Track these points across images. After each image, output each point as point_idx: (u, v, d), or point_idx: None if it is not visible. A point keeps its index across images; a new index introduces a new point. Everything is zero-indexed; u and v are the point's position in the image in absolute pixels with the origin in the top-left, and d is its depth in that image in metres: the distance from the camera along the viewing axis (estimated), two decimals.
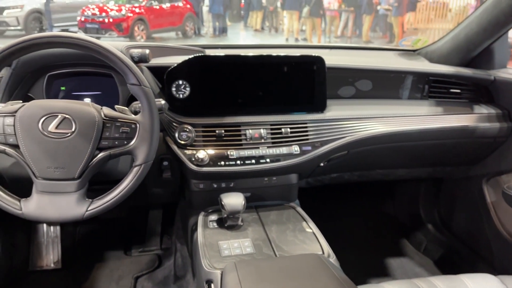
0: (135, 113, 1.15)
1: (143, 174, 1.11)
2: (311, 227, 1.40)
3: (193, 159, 1.36)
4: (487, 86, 1.75)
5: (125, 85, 1.15)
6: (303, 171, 1.58)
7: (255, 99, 1.46)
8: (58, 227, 2.03)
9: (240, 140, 1.42)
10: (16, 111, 1.05)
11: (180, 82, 1.40)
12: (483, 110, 1.71)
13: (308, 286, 1.02)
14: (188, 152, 1.37)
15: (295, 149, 1.44)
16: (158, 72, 1.44)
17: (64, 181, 1.07)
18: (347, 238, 2.11)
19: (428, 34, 11.78)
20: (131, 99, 1.38)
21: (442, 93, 1.73)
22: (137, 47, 1.36)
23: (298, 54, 1.47)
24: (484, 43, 1.67)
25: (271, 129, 1.45)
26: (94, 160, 1.08)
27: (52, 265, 1.96)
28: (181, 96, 1.41)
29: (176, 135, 1.38)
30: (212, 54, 1.44)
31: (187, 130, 1.38)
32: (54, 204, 1.08)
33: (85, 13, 10.15)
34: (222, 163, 1.38)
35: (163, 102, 1.24)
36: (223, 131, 1.40)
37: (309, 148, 1.46)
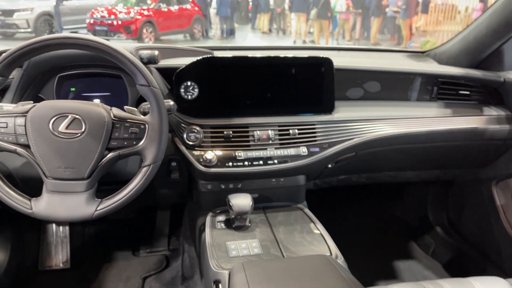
0: (144, 114, 1.16)
1: (151, 175, 1.12)
2: (318, 229, 1.40)
3: (201, 160, 1.36)
4: (497, 88, 1.74)
5: (134, 86, 1.16)
6: (310, 173, 1.57)
7: (263, 100, 1.47)
8: (67, 228, 2.05)
9: (248, 141, 1.42)
10: (27, 112, 1.07)
11: (189, 83, 1.41)
12: (493, 112, 1.70)
13: (316, 287, 1.02)
14: (196, 153, 1.38)
15: (303, 150, 1.44)
16: (166, 73, 1.45)
17: (74, 181, 1.08)
18: (354, 240, 2.10)
19: (437, 37, 11.72)
20: (140, 100, 1.39)
21: (451, 95, 1.72)
22: (146, 49, 1.37)
23: (306, 56, 1.47)
24: (494, 45, 1.66)
25: (279, 130, 1.45)
26: (103, 160, 1.09)
27: (61, 265, 1.98)
28: (189, 97, 1.42)
29: (185, 136, 1.38)
30: (220, 55, 1.45)
31: (195, 131, 1.39)
32: (64, 204, 1.09)
33: (94, 16, 10.24)
34: (230, 164, 1.39)
35: (171, 103, 1.25)
36: (231, 132, 1.41)
37: (317, 149, 1.46)
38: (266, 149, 1.43)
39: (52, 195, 1.09)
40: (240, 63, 1.43)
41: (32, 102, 1.11)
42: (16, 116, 1.07)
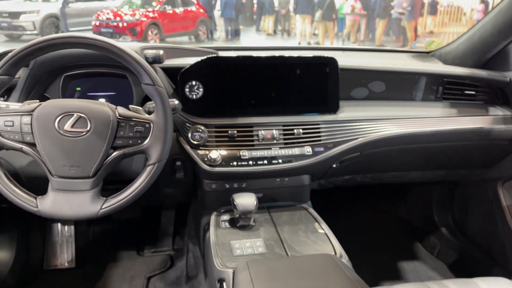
0: (149, 113, 1.16)
1: (156, 173, 1.12)
2: (323, 228, 1.39)
3: (206, 159, 1.37)
4: (503, 88, 1.73)
5: (139, 85, 1.16)
6: (315, 172, 1.57)
7: (267, 100, 1.47)
8: (72, 227, 2.06)
9: (253, 140, 1.43)
10: (33, 110, 1.07)
11: (194, 83, 1.41)
12: (499, 112, 1.69)
13: (321, 285, 1.02)
14: (201, 152, 1.38)
15: (308, 150, 1.44)
16: (171, 73, 1.46)
17: (79, 179, 1.09)
18: (359, 240, 2.09)
19: (442, 38, 11.68)
20: (145, 100, 1.40)
21: (457, 95, 1.72)
22: (151, 48, 1.38)
23: (310, 56, 1.48)
24: (499, 45, 1.65)
25: (284, 130, 1.45)
26: (108, 158, 1.09)
27: (66, 264, 1.99)
28: (194, 96, 1.42)
29: (189, 135, 1.39)
30: (225, 55, 1.45)
31: (200, 130, 1.39)
32: (69, 202, 1.09)
33: (100, 18, 10.31)
34: (235, 163, 1.39)
35: (176, 102, 1.25)
36: (235, 131, 1.41)
37: (322, 149, 1.46)
38: (270, 148, 1.43)
39: (57, 193, 1.09)
40: (244, 63, 1.44)
41: (38, 101, 1.11)
42: (22, 115, 1.07)
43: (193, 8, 11.69)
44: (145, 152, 1.12)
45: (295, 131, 1.45)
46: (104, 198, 1.12)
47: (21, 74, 1.34)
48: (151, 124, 1.11)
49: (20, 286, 1.81)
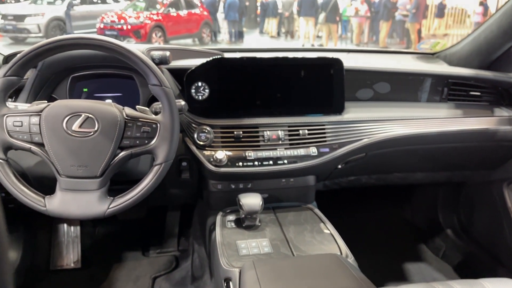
0: (156, 113, 1.17)
1: (163, 173, 1.13)
2: (328, 228, 1.40)
3: (212, 160, 1.37)
4: (508, 89, 1.73)
5: (146, 86, 1.17)
6: (320, 173, 1.58)
7: (272, 100, 1.48)
8: (78, 228, 2.07)
9: (258, 141, 1.43)
10: (41, 111, 1.08)
11: (199, 84, 1.42)
12: (504, 113, 1.69)
13: (327, 285, 1.02)
14: (207, 152, 1.39)
15: (313, 150, 1.44)
16: (178, 74, 1.47)
17: (87, 179, 1.10)
18: (364, 241, 2.09)
19: (446, 40, 11.66)
20: (151, 101, 1.40)
21: (462, 96, 1.72)
22: (157, 50, 1.39)
23: (315, 57, 1.48)
24: (505, 46, 1.65)
25: (289, 130, 1.46)
26: (116, 158, 1.10)
27: (72, 264, 2.00)
28: (200, 97, 1.43)
29: (195, 136, 1.39)
30: (230, 56, 1.46)
31: (206, 131, 1.40)
32: (77, 201, 1.10)
33: (104, 21, 10.36)
34: (240, 164, 1.40)
35: (183, 103, 1.26)
36: (241, 132, 1.42)
37: (327, 150, 1.46)
38: (276, 149, 1.43)
39: (65, 193, 1.10)
40: (249, 64, 1.45)
41: (46, 101, 1.13)
42: (31, 115, 1.08)
43: (197, 11, 11.73)
44: (152, 152, 1.13)
45: (301, 131, 1.45)
46: (111, 198, 1.13)
47: (30, 75, 1.35)
48: (158, 125, 1.12)
49: (27, 286, 1.82)
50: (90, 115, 1.08)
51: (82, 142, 1.08)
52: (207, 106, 1.44)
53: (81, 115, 1.08)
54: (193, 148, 1.39)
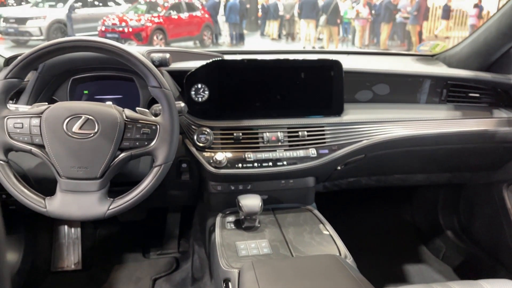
0: (156, 115, 1.18)
1: (163, 174, 1.14)
2: (328, 230, 1.40)
3: (211, 161, 1.38)
4: (507, 91, 1.73)
5: (145, 88, 1.18)
6: (320, 175, 1.58)
7: (272, 102, 1.48)
8: (78, 229, 2.07)
9: (258, 143, 1.44)
10: (42, 113, 1.09)
11: (199, 85, 1.43)
12: (503, 114, 1.69)
13: (326, 286, 1.02)
14: (207, 154, 1.39)
15: (312, 152, 1.45)
16: (177, 76, 1.47)
17: (87, 180, 1.10)
18: (364, 243, 2.09)
19: (447, 43, 11.67)
20: (151, 102, 1.41)
21: (461, 97, 1.72)
22: (157, 52, 1.40)
23: (315, 58, 1.49)
24: (504, 47, 1.66)
25: (288, 132, 1.46)
26: (115, 160, 1.11)
27: (72, 266, 2.00)
28: (200, 99, 1.44)
29: (195, 137, 1.40)
30: (230, 58, 1.47)
31: (206, 132, 1.40)
32: (77, 203, 1.11)
33: (106, 23, 10.40)
34: (240, 165, 1.40)
35: (182, 104, 1.27)
36: (240, 134, 1.42)
37: (326, 151, 1.46)
38: (275, 150, 1.44)
39: (65, 194, 1.11)
40: (250, 66, 1.45)
41: (46, 103, 1.13)
42: (32, 117, 1.09)
43: (198, 13, 11.77)
44: (152, 154, 1.13)
45: (300, 133, 1.46)
46: (111, 199, 1.14)
47: (30, 77, 1.36)
48: (158, 126, 1.13)
49: None
50: (90, 117, 1.09)
51: (82, 143, 1.09)
52: (207, 108, 1.44)
53: (81, 116, 1.09)
54: (193, 149, 1.40)
